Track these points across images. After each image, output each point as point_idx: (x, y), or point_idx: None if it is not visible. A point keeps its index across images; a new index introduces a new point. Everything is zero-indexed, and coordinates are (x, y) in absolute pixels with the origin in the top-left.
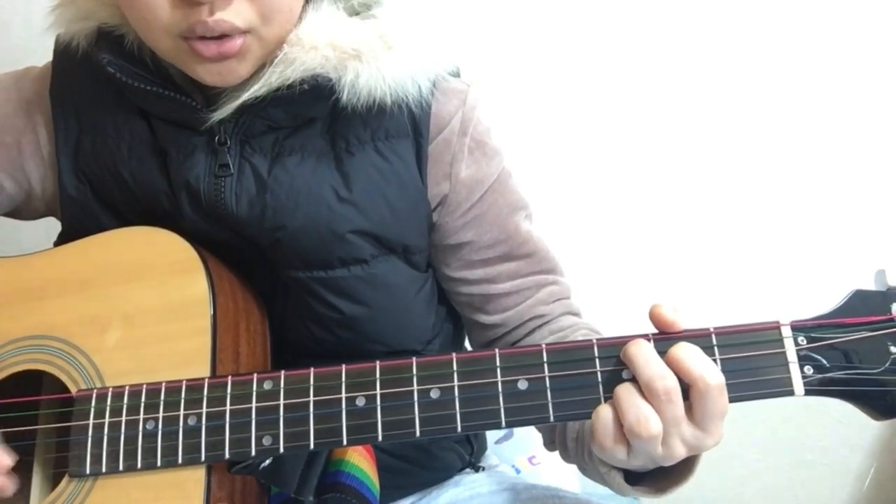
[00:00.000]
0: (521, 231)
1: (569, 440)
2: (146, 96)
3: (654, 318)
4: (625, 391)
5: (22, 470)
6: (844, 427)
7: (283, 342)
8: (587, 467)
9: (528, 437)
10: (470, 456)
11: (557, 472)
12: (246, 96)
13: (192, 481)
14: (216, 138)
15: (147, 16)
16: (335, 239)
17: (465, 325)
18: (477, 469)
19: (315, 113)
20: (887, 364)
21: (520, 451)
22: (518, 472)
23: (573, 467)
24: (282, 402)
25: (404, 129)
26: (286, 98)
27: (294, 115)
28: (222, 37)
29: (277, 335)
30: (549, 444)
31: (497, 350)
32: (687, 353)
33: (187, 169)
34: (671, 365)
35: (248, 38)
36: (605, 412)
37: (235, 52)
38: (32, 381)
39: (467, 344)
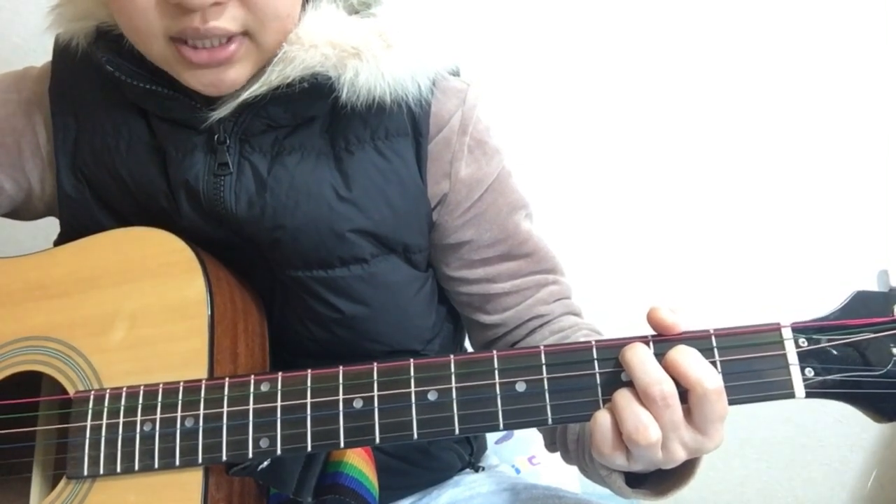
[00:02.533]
0: (520, 230)
1: (569, 441)
2: (145, 95)
3: (652, 321)
4: (622, 398)
5: (22, 471)
6: (844, 427)
7: (281, 342)
8: (588, 469)
9: (528, 438)
10: (470, 456)
11: (557, 472)
12: (245, 95)
13: (190, 483)
14: (215, 137)
15: (136, 22)
16: (335, 238)
17: (464, 325)
18: (477, 469)
19: (315, 112)
20: (889, 366)
21: (520, 451)
22: (518, 472)
23: (573, 467)
24: (279, 403)
25: (404, 128)
26: (286, 96)
27: (294, 114)
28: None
29: (276, 335)
30: (551, 445)
31: (495, 352)
32: (684, 357)
33: (186, 168)
34: (668, 369)
35: (244, 42)
36: (603, 419)
37: (228, 57)
38: (33, 382)
39: (467, 344)
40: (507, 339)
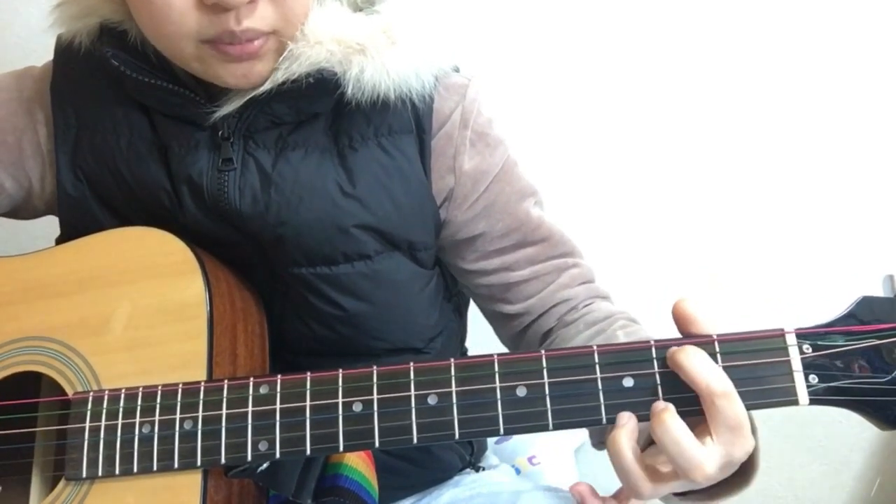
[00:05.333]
0: (532, 217)
1: None
2: (150, 91)
3: (676, 311)
4: (671, 441)
5: (21, 472)
6: (844, 427)
7: (282, 341)
8: None
9: (528, 438)
10: (470, 456)
11: (557, 472)
12: (252, 92)
13: (189, 486)
14: (219, 133)
15: (168, 27)
16: (339, 233)
17: (490, 321)
18: (477, 469)
19: (319, 108)
20: (894, 373)
21: (520, 451)
22: (518, 472)
23: (573, 467)
24: (278, 406)
25: (407, 124)
26: (290, 93)
27: (298, 111)
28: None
29: (276, 334)
30: (598, 445)
31: (496, 355)
32: (692, 360)
33: (190, 163)
34: (677, 371)
35: (269, 38)
36: (639, 478)
37: (256, 52)
38: (32, 383)
39: (468, 344)
40: (535, 328)
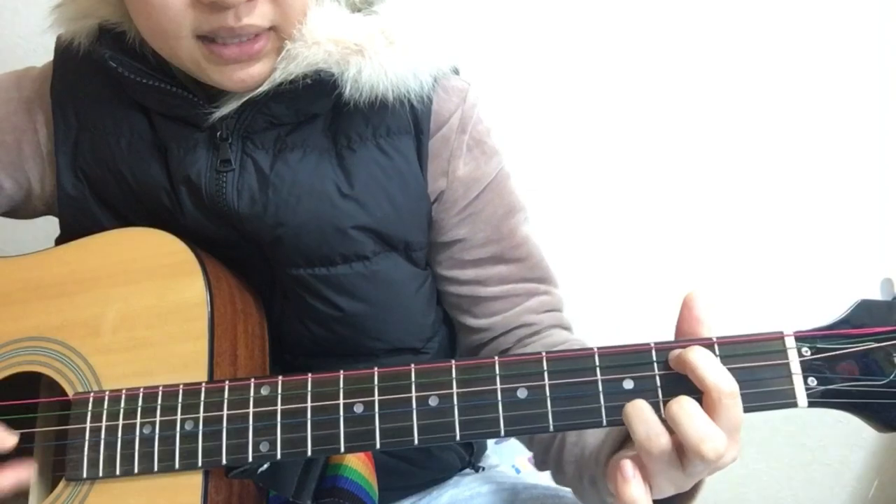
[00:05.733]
0: (516, 234)
1: (566, 464)
2: (148, 92)
3: (686, 304)
4: (685, 415)
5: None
6: (844, 427)
7: (281, 342)
8: (586, 494)
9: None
10: (470, 456)
11: None
12: (250, 94)
13: (190, 486)
14: (218, 134)
15: (165, 25)
16: (337, 234)
17: (455, 326)
18: (477, 469)
19: (317, 109)
20: (892, 376)
21: (520, 451)
22: (518, 472)
23: None
24: (279, 407)
25: (406, 125)
26: (289, 93)
27: (296, 112)
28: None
29: (276, 335)
30: (541, 465)
31: (496, 357)
32: (702, 359)
33: (188, 164)
34: (684, 370)
35: (270, 36)
36: (663, 440)
37: (257, 51)
38: (32, 383)
39: None
40: (494, 345)
